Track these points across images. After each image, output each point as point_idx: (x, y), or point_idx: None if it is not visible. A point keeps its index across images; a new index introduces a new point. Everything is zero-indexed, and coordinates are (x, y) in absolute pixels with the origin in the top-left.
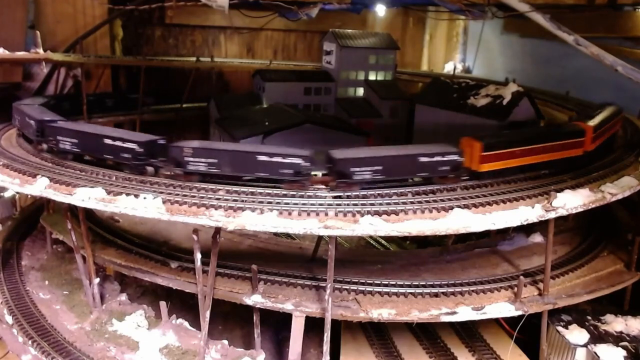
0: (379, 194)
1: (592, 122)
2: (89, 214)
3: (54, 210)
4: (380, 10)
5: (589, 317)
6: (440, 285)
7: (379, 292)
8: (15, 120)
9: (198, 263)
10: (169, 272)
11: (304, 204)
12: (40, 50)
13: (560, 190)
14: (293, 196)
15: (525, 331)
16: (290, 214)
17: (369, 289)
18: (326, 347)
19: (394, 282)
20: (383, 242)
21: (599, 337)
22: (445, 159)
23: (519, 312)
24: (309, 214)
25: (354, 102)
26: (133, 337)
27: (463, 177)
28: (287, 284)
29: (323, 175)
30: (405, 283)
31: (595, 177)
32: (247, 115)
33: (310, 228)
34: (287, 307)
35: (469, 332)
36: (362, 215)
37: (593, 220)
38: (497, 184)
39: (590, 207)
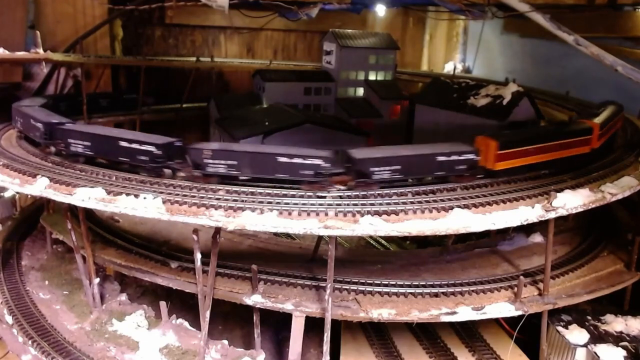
0: (379, 194)
1: (598, 120)
2: (89, 214)
3: (54, 210)
4: (380, 10)
5: (589, 317)
6: (440, 285)
7: (379, 292)
8: (17, 122)
9: (198, 263)
10: (169, 272)
11: (304, 204)
12: (40, 50)
13: (560, 190)
14: (293, 196)
15: (525, 331)
16: (290, 214)
17: (369, 289)
18: (326, 347)
19: (394, 282)
20: (383, 242)
21: (599, 337)
22: (462, 158)
23: (519, 312)
24: (309, 214)
25: (354, 102)
26: (133, 337)
27: (478, 176)
28: (287, 284)
29: (342, 175)
30: (405, 283)
31: (595, 177)
32: (247, 115)
33: (310, 228)
34: (287, 307)
35: (469, 332)
36: (362, 215)
37: (593, 220)
38: (497, 184)
39: (590, 207)
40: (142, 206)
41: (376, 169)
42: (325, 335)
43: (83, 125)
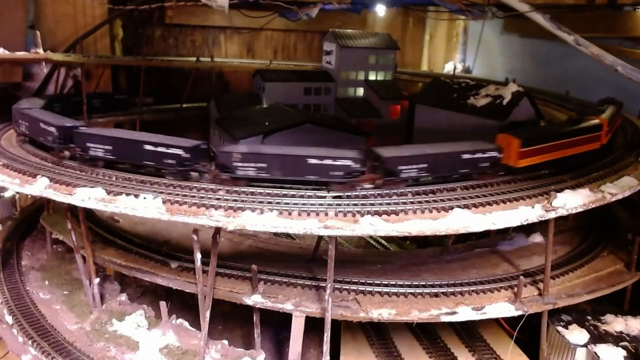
0: (379, 194)
1: (605, 116)
2: (89, 214)
3: (54, 210)
4: (380, 10)
5: (589, 317)
6: (440, 285)
7: (379, 292)
8: (20, 126)
9: (198, 263)
10: (169, 272)
11: (304, 204)
12: (40, 50)
13: (560, 190)
14: (293, 196)
15: (525, 331)
16: (290, 214)
17: (369, 289)
18: (326, 347)
19: (394, 282)
20: (383, 242)
21: (599, 337)
22: (485, 155)
23: (519, 312)
24: (309, 214)
25: (354, 102)
26: (133, 337)
27: (500, 173)
28: (287, 284)
29: (369, 173)
30: (405, 283)
31: (595, 177)
32: (247, 115)
33: (310, 228)
34: (287, 307)
35: (469, 332)
36: (362, 215)
37: (593, 220)
38: (497, 184)
39: (590, 207)
40: (142, 206)
41: (404, 167)
42: (325, 335)
43: (103, 129)
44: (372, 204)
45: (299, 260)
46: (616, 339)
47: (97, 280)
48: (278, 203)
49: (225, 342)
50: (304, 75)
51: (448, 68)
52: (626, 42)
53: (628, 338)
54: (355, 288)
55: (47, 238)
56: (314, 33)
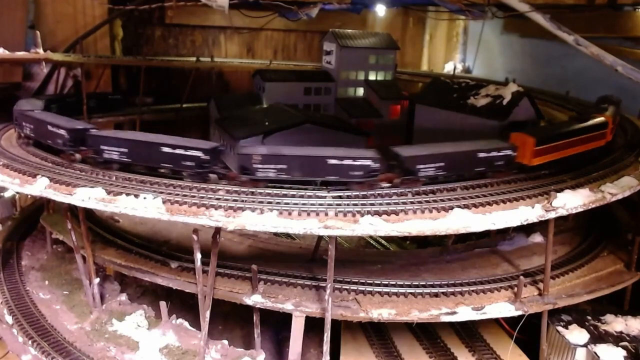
0: (379, 194)
1: (610, 113)
2: (89, 214)
3: (54, 210)
4: (380, 10)
5: (589, 317)
6: (440, 285)
7: (379, 292)
8: (24, 128)
9: (198, 263)
10: (169, 272)
11: (304, 204)
12: (40, 50)
13: (560, 190)
14: (293, 196)
15: (525, 331)
16: (290, 214)
17: (369, 289)
18: (326, 347)
19: (394, 282)
20: (383, 242)
21: (599, 337)
22: (501, 154)
23: (519, 312)
24: (309, 214)
25: (354, 102)
26: (133, 337)
27: (513, 172)
28: (287, 284)
29: (388, 172)
30: (405, 283)
31: (595, 177)
32: (247, 115)
33: (310, 228)
34: (287, 307)
35: (469, 332)
36: (362, 215)
37: (593, 220)
38: (497, 184)
39: (590, 207)
40: (142, 206)
41: (422, 166)
42: (325, 335)
43: (117, 132)
44: (372, 204)
45: (299, 260)
46: (616, 339)
47: (97, 280)
48: (278, 203)
49: (225, 342)
50: (304, 75)
51: (448, 68)
52: (626, 42)
53: (628, 338)
54: (355, 288)
55: (47, 238)
56: (314, 33)
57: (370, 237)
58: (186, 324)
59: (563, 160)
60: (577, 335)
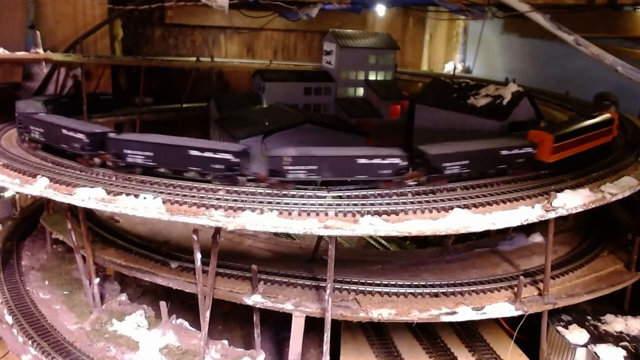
0: (379, 194)
1: (614, 110)
2: (89, 214)
3: (54, 210)
4: (380, 10)
5: (589, 317)
6: (440, 285)
7: (379, 292)
8: (32, 132)
9: (198, 263)
10: (169, 272)
11: (304, 204)
12: (40, 50)
13: (560, 190)
14: (293, 196)
15: (525, 331)
16: (290, 214)
17: (369, 289)
18: (326, 347)
19: (394, 282)
20: (383, 242)
21: (599, 337)
22: (522, 151)
23: (519, 312)
24: (309, 214)
25: (354, 102)
26: (133, 337)
27: (531, 169)
28: (287, 284)
29: (414, 170)
30: (405, 283)
31: (595, 177)
32: (247, 115)
33: (310, 228)
34: (287, 307)
35: (469, 332)
36: (362, 215)
37: (593, 220)
38: (497, 184)
39: (590, 207)
40: (142, 206)
41: (448, 164)
42: (325, 335)
43: (140, 135)
44: (372, 204)
45: (299, 260)
46: (616, 339)
47: (97, 280)
48: (278, 203)
49: (225, 342)
50: (304, 75)
51: (448, 68)
52: (626, 42)
53: (628, 338)
54: (355, 288)
55: (47, 238)
56: (314, 33)
57: (370, 237)
58: (186, 324)
59: (569, 159)
60: (577, 335)
